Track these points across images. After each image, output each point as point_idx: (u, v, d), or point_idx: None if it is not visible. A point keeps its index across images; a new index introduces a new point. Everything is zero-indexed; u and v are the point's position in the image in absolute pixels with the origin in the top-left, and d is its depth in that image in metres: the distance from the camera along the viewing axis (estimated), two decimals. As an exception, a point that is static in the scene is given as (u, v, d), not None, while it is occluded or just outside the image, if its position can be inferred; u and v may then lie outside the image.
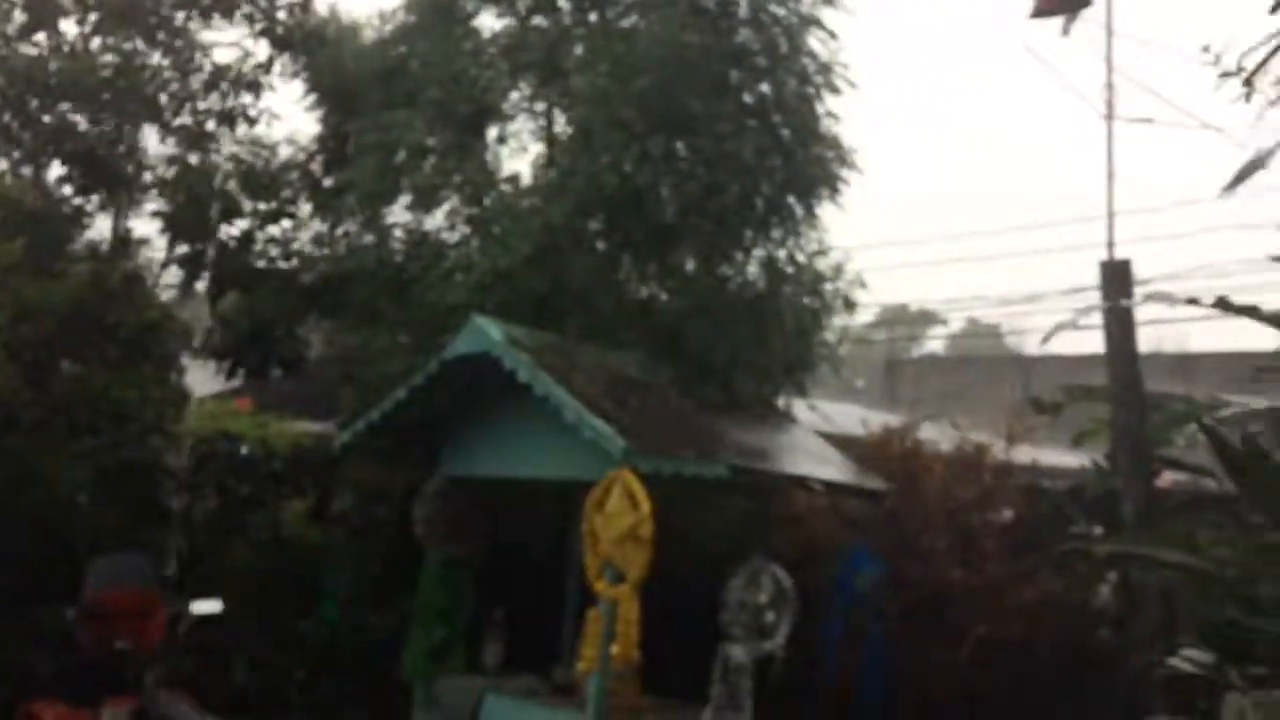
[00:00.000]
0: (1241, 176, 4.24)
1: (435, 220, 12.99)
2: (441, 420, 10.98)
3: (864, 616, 10.56)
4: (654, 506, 8.85)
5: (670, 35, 11.57)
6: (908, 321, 36.22)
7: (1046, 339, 9.10)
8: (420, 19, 13.54)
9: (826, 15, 12.54)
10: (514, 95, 13.14)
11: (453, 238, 12.71)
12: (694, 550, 10.43)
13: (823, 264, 13.00)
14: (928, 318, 36.58)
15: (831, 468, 11.29)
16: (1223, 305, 7.25)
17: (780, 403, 12.83)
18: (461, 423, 10.91)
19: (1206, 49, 5.82)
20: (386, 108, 13.04)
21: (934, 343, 38.72)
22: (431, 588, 11.16)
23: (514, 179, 12.84)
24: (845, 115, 12.79)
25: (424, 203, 12.83)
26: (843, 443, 12.33)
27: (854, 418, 13.44)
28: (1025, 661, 10.62)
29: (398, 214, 13.21)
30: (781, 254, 12.69)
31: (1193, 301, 7.98)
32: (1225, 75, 5.85)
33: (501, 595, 11.67)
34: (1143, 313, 10.51)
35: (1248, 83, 5.43)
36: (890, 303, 33.29)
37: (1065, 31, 10.65)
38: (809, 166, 12.27)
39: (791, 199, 12.38)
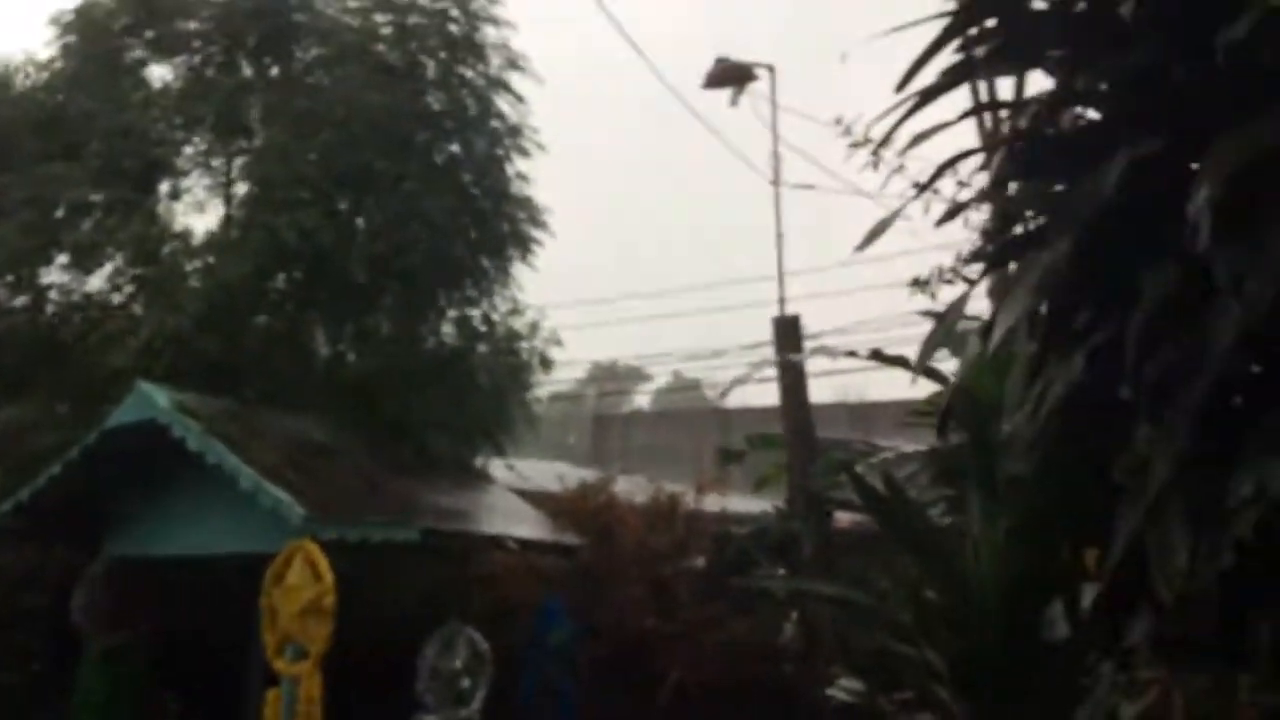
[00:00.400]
0: (870, 238, 4.55)
1: (97, 281, 12.08)
2: (105, 496, 10.14)
3: (558, 672, 10.56)
4: (340, 576, 8.51)
5: (354, 93, 11.40)
6: (616, 378, 37.03)
7: (724, 393, 9.51)
8: (82, 67, 12.65)
9: (514, 79, 12.77)
10: (188, 150, 12.50)
11: (117, 299, 11.86)
12: (387, 619, 10.09)
13: (518, 323, 13.09)
14: (635, 374, 37.57)
15: (527, 526, 11.29)
16: (877, 357, 7.84)
17: (478, 463, 12.73)
18: (128, 498, 10.12)
19: (838, 121, 6.30)
20: (43, 160, 12.07)
21: (641, 398, 39.69)
22: (92, 680, 10.20)
23: (184, 236, 12.16)
24: (535, 177, 13.01)
25: (84, 262, 11.91)
26: (540, 500, 12.37)
27: (552, 475, 13.54)
28: (719, 701, 10.95)
29: (54, 274, 12.19)
30: (476, 314, 12.68)
31: (851, 354, 8.59)
32: (855, 145, 6.32)
33: (178, 682, 10.83)
34: (824, 364, 11.26)
35: (874, 152, 5.86)
36: (600, 360, 33.92)
37: (733, 103, 11.33)
38: (500, 226, 12.37)
39: (484, 259, 12.42)
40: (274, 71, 12.54)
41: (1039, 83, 3.65)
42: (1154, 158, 2.91)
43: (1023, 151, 3.70)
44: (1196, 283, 2.87)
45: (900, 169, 4.32)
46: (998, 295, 4.19)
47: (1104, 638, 3.68)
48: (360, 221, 11.56)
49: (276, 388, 10.89)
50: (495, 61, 12.65)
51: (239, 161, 12.35)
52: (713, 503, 12.65)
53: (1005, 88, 4.11)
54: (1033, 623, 4.19)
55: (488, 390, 12.34)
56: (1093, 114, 3.42)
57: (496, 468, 13.12)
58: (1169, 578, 3.02)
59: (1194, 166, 2.71)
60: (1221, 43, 2.54)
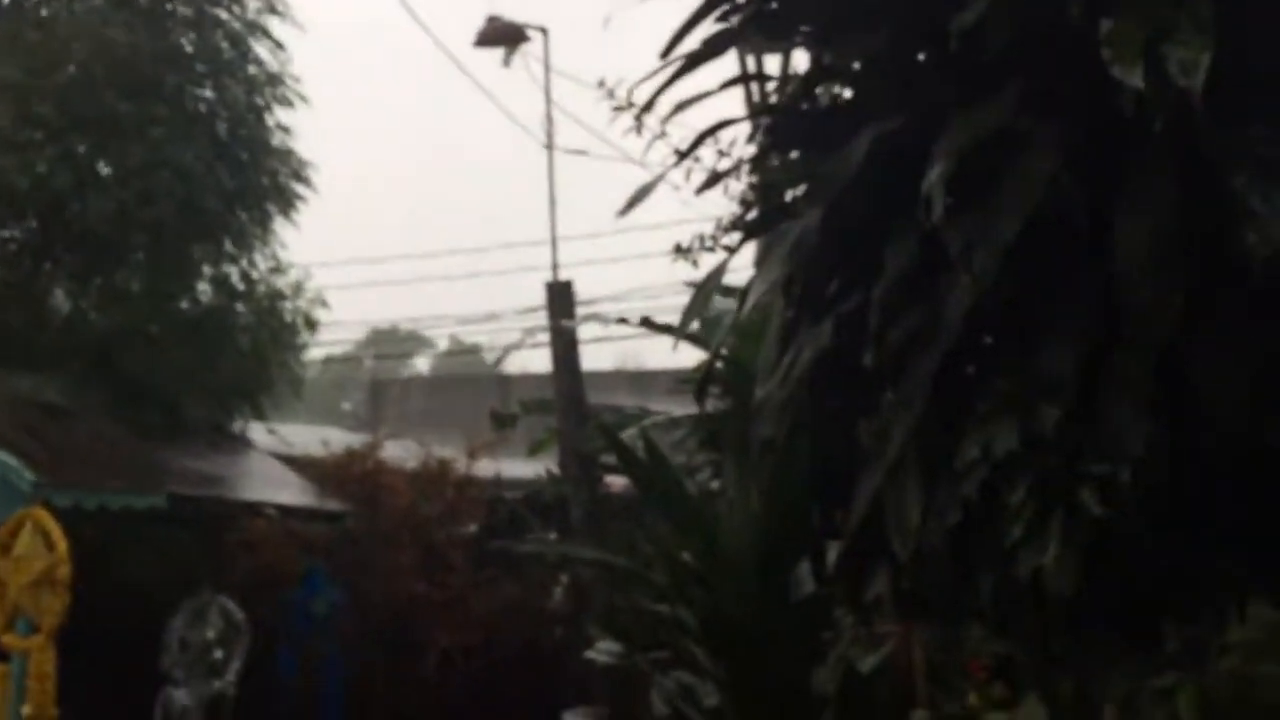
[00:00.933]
0: (630, 204, 4.55)
1: None
2: None
3: (321, 641, 10.28)
4: (78, 546, 7.95)
5: (94, 28, 10.52)
6: (395, 341, 36.17)
7: (499, 360, 9.41)
8: None
9: (275, 26, 12.10)
10: None
11: None
12: (131, 590, 9.52)
13: (281, 282, 12.50)
14: (414, 338, 36.81)
15: (288, 491, 10.88)
16: (646, 324, 7.93)
17: (236, 427, 12.14)
18: None
19: (601, 84, 6.27)
20: None
21: (421, 362, 38.95)
22: None
23: None
24: (300, 130, 12.41)
25: None
26: (304, 466, 11.94)
27: (318, 440, 13.09)
28: (487, 666, 10.93)
29: None
30: (234, 271, 12.02)
31: (622, 321, 8.67)
32: (618, 109, 6.32)
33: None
34: (602, 331, 11.33)
35: (637, 118, 5.85)
36: (378, 323, 32.98)
37: (506, 63, 11.18)
38: (259, 179, 11.73)
39: (242, 213, 11.76)
40: (4, 1, 11.43)
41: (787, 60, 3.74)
42: (896, 135, 3.02)
43: (781, 124, 3.78)
44: (932, 256, 3.00)
45: (663, 135, 4.33)
46: (757, 264, 4.28)
47: (847, 594, 3.85)
48: (103, 168, 10.72)
49: (6, 346, 10.01)
50: (253, 4, 11.95)
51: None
52: (486, 468, 12.56)
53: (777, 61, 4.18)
54: (782, 582, 4.35)
55: (246, 351, 11.75)
56: (844, 90, 3.53)
57: (257, 432, 12.55)
58: (903, 535, 3.18)
59: (923, 145, 2.82)
60: (953, 28, 2.65)
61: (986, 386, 3.10)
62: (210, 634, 9.21)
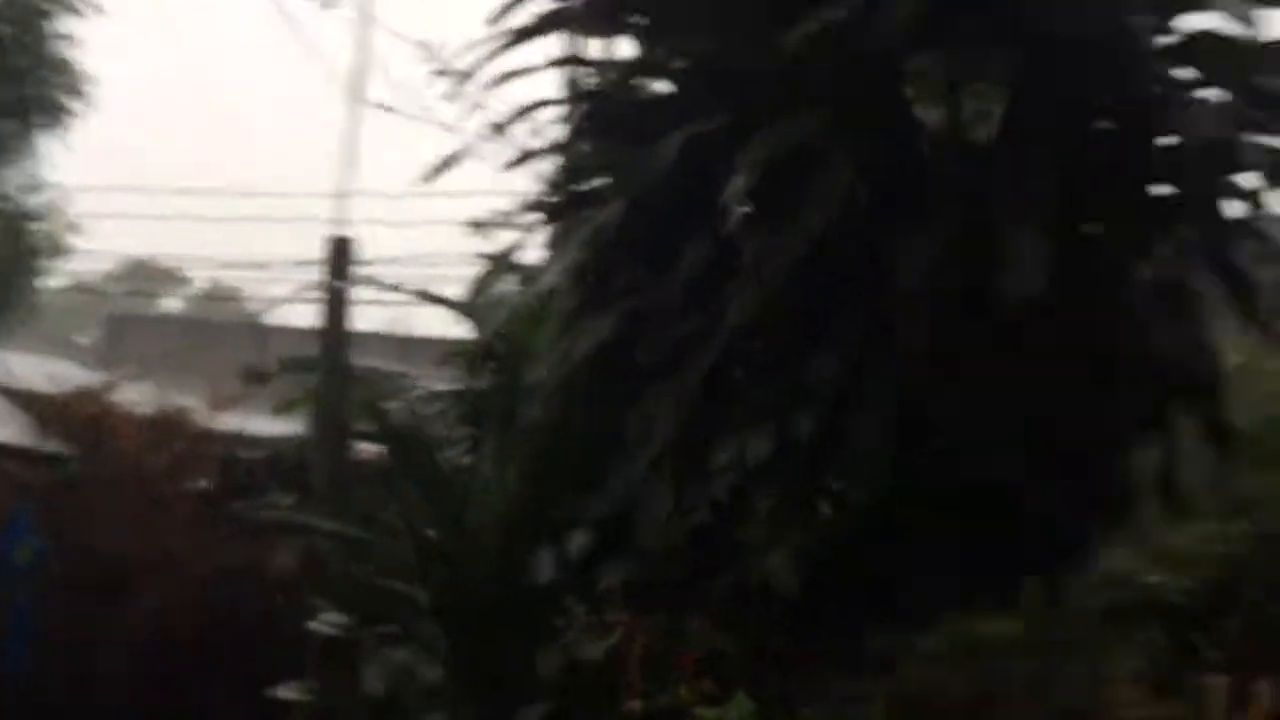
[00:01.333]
0: (436, 171, 4.46)
1: None
2: None
3: (16, 586, 9.47)
4: None
5: None
6: (148, 277, 33.90)
7: (264, 310, 9.00)
8: None
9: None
10: None
11: None
12: None
13: (34, 201, 11.47)
14: (170, 275, 34.63)
15: (2, 427, 9.97)
16: (424, 296, 7.80)
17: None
18: None
19: (424, 46, 6.14)
20: None
21: (173, 302, 36.66)
22: None
23: None
24: (83, 42, 11.39)
25: None
26: (26, 400, 10.98)
27: (45, 375, 12.06)
28: (197, 630, 10.37)
29: None
30: (-14, 181, 10.96)
31: (396, 288, 8.50)
32: (439, 74, 6.19)
33: None
34: (370, 293, 10.98)
35: (458, 84, 5.71)
36: (133, 255, 30.70)
37: (324, 3, 10.79)
38: (30, 88, 10.73)
39: (6, 122, 10.72)
40: None
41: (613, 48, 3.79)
42: (708, 138, 3.10)
43: (597, 111, 3.82)
44: (724, 261, 3.10)
45: (480, 106, 4.29)
46: (552, 247, 4.29)
47: (584, 582, 3.90)
48: None
49: None
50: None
51: None
52: (230, 422, 11.90)
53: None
54: (524, 564, 4.36)
55: None
56: (663, 87, 3.60)
57: None
58: (651, 529, 3.26)
59: (730, 153, 2.92)
60: (783, 44, 2.76)
61: (748, 393, 3.22)
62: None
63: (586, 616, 3.91)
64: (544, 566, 4.18)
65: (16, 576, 9.70)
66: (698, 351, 3.22)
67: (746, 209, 2.89)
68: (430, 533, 5.07)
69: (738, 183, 2.91)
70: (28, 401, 11.17)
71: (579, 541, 3.84)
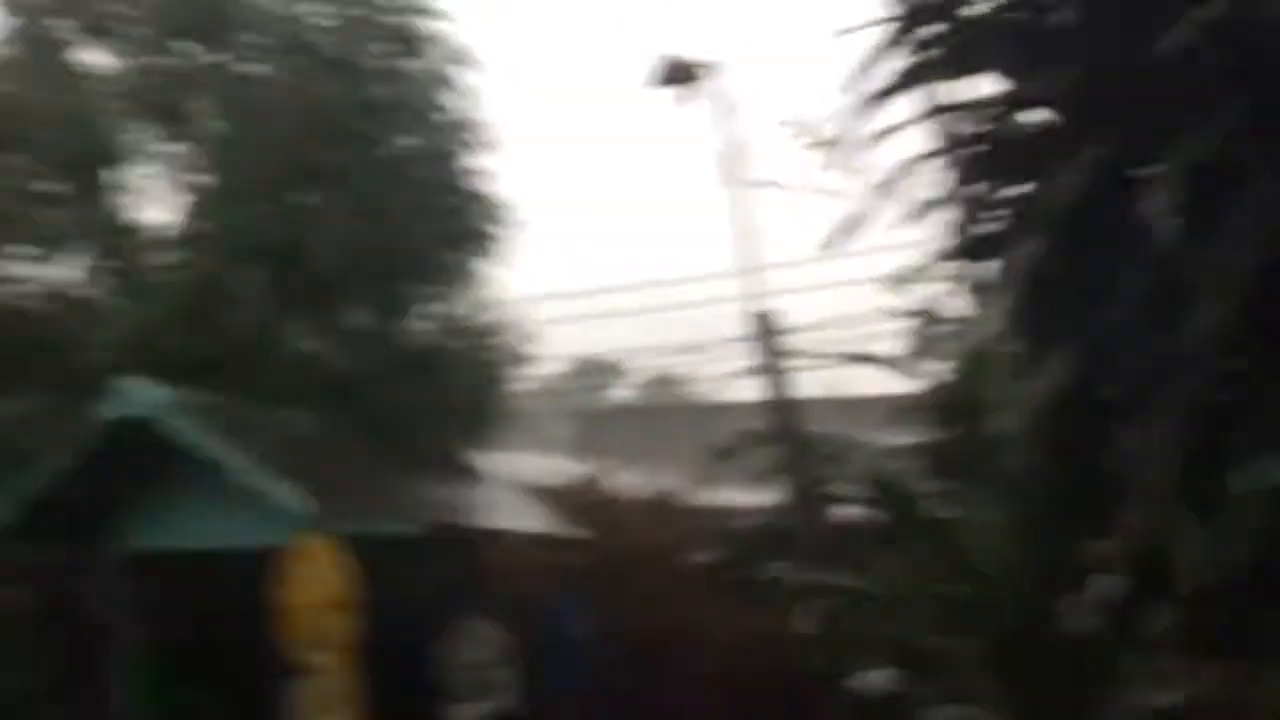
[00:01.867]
0: (839, 236, 4.51)
1: (61, 272, 11.85)
2: (98, 492, 9.98)
3: (578, 659, 10.52)
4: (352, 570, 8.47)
5: (302, 84, 11.10)
6: (598, 372, 36.87)
7: (712, 390, 9.54)
8: (23, 53, 12.22)
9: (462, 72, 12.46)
10: (129, 137, 12.18)
11: (86, 292, 11.63)
12: (391, 613, 9.93)
13: (486, 318, 12.90)
14: (614, 369, 37.38)
15: (530, 519, 11.16)
16: (853, 357, 7.96)
17: (463, 457, 12.60)
18: (122, 494, 9.90)
19: (786, 122, 6.24)
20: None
21: (622, 392, 39.50)
22: (135, 677, 10.04)
23: (137, 228, 11.93)
24: (498, 171, 12.72)
25: (49, 254, 11.65)
26: (535, 493, 12.26)
27: (540, 468, 13.37)
28: (736, 694, 10.92)
29: (13, 266, 11.94)
30: (444, 309, 12.52)
31: (832, 356, 8.64)
32: (811, 145, 6.25)
33: (198, 677, 10.61)
34: (804, 360, 11.29)
35: (826, 154, 5.73)
36: (583, 354, 33.64)
37: (681, 102, 11.34)
38: (456, 222, 12.11)
39: (446, 253, 12.19)
40: (215, 60, 12.23)
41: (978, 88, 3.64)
42: (1110, 159, 2.90)
43: (983, 153, 3.68)
44: (1165, 282, 2.87)
45: (859, 170, 4.29)
46: (976, 294, 4.17)
47: (1126, 629, 3.69)
48: (317, 215, 11.41)
49: (256, 383, 10.73)
50: (435, 54, 12.44)
51: (185, 151, 12.07)
52: (714, 497, 12.59)
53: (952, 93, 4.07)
54: (1047, 612, 4.21)
55: (468, 385, 12.19)
56: (1046, 117, 3.41)
57: (482, 461, 12.97)
58: (1190, 569, 3.03)
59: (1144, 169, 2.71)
60: (1161, 53, 2.54)
61: (1246, 414, 2.93)
62: (484, 654, 9.58)
63: (1138, 663, 3.68)
64: (1078, 613, 4.00)
65: (577, 650, 10.78)
66: (1179, 379, 2.97)
67: (1176, 222, 2.66)
68: (961, 587, 5.00)
69: (1162, 197, 2.70)
70: (539, 494, 12.47)
71: (1110, 586, 3.63)
